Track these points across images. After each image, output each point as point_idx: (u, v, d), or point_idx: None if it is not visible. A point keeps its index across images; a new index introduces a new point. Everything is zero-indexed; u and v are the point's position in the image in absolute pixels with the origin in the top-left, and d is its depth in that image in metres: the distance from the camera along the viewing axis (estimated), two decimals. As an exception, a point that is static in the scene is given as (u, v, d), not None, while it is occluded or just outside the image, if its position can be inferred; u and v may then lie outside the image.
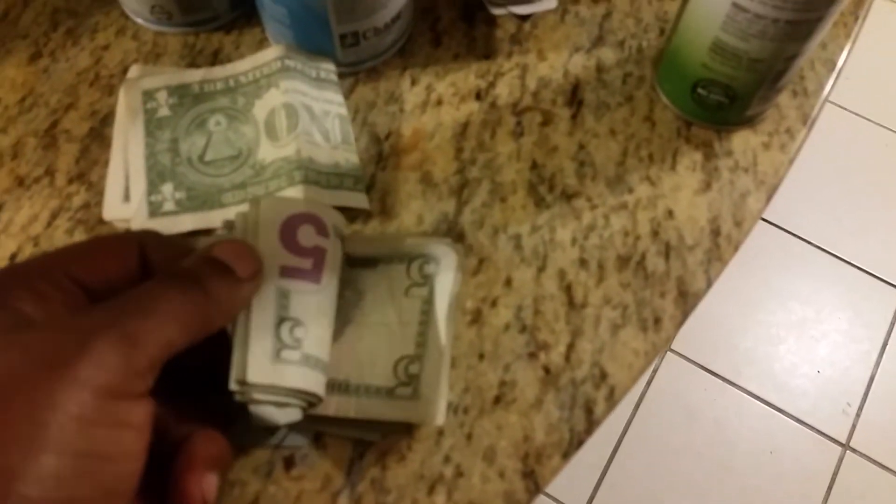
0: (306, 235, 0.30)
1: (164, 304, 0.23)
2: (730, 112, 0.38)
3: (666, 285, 0.36)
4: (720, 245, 0.37)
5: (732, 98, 0.37)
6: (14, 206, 0.38)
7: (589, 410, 0.33)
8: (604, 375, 0.34)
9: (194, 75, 0.40)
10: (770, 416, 1.12)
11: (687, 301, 0.36)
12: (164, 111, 0.39)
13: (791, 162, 0.39)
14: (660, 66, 0.40)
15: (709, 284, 0.36)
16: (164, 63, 0.42)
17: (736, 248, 0.37)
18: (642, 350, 0.35)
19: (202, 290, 0.24)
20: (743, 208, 0.38)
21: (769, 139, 0.40)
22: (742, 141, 0.40)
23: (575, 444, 0.33)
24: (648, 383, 1.14)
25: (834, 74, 0.43)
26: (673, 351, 1.16)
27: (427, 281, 0.34)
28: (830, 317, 1.20)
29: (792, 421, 1.12)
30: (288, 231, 0.30)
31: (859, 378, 1.16)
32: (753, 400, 1.13)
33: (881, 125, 1.36)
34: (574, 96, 0.41)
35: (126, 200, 0.37)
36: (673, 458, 1.10)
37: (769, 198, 0.38)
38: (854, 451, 1.10)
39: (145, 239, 0.26)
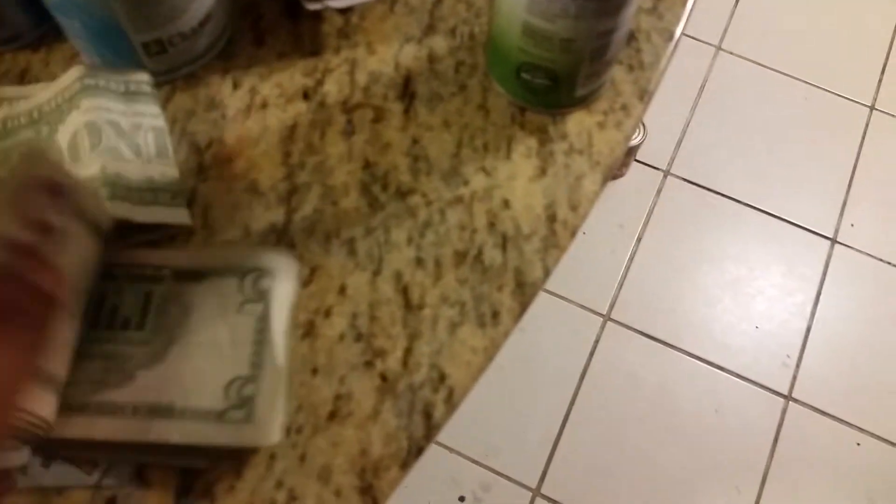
0: (41, 206, 0.27)
1: None
2: (558, 94, 0.37)
3: (504, 278, 0.35)
4: (556, 231, 0.36)
5: (556, 80, 0.36)
6: None
7: (428, 415, 0.32)
8: (442, 377, 0.33)
9: (-2, 113, 0.37)
10: (712, 375, 1.15)
11: (525, 292, 0.35)
12: None
13: (627, 139, 0.39)
14: (488, 52, 0.39)
15: (546, 273, 0.35)
16: (-37, 86, 0.39)
17: (573, 234, 0.36)
18: (481, 346, 0.34)
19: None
20: (578, 192, 0.37)
21: (604, 118, 0.39)
22: (577, 123, 0.39)
23: (414, 452, 0.31)
24: (591, 354, 1.15)
25: (672, 44, 0.43)
26: (612, 320, 1.17)
27: (262, 297, 0.32)
28: (764, 273, 1.23)
29: (734, 378, 1.14)
30: (25, 192, 0.27)
31: (796, 330, 1.19)
32: (695, 361, 1.15)
33: (799, 79, 1.40)
34: (406, 89, 0.40)
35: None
36: (621, 426, 1.11)
37: (605, 178, 0.38)
38: (796, 401, 1.14)
39: None
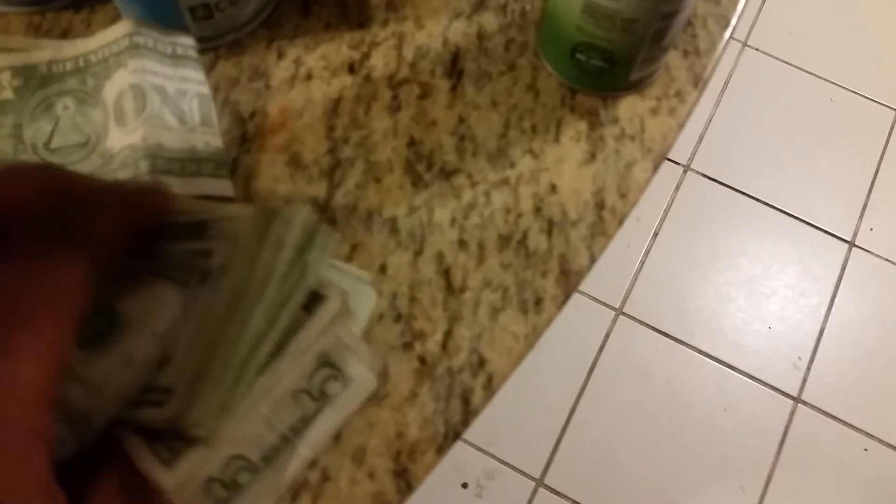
0: None
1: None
2: (613, 77, 0.36)
3: (548, 264, 0.34)
4: (604, 219, 0.35)
5: (612, 62, 0.35)
6: None
7: (466, 401, 0.32)
8: (482, 362, 0.32)
9: (42, 55, 0.36)
10: (723, 373, 1.14)
11: (569, 280, 0.34)
12: (6, 94, 0.35)
13: (681, 126, 0.38)
14: (541, 30, 0.38)
15: (592, 261, 0.34)
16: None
17: (621, 222, 0.35)
18: (522, 333, 0.33)
19: None
20: (629, 179, 0.36)
21: (657, 104, 0.38)
22: (629, 107, 0.38)
23: (451, 437, 0.31)
24: (601, 347, 1.14)
25: (728, 31, 0.41)
26: (625, 314, 1.17)
27: (325, 399, 0.28)
28: (779, 273, 1.22)
29: (744, 377, 1.14)
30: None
31: (809, 332, 1.18)
32: (705, 358, 1.15)
33: (826, 80, 1.38)
34: (454, 66, 0.39)
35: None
36: (628, 419, 1.11)
37: (657, 166, 0.37)
38: (805, 403, 1.13)
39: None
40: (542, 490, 1.06)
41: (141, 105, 0.34)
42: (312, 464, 0.30)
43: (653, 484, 1.09)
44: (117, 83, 0.35)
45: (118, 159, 0.33)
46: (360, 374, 0.28)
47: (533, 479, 1.06)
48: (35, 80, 0.36)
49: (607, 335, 1.16)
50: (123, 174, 0.33)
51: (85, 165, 0.34)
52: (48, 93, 0.36)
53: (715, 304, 1.19)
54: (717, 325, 1.17)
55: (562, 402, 1.12)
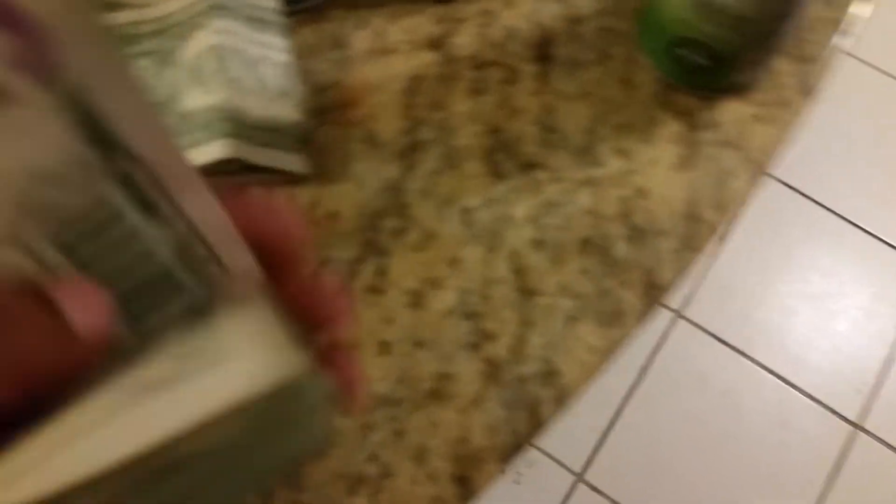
0: None
1: None
2: (716, 77, 0.33)
3: (631, 274, 0.32)
4: (696, 232, 0.33)
5: (716, 60, 0.32)
6: None
7: (534, 412, 0.30)
8: (554, 374, 0.30)
9: (127, 16, 0.35)
10: (781, 389, 1.10)
11: (653, 294, 0.32)
12: None
13: (786, 138, 0.35)
14: (642, 20, 0.35)
15: (679, 276, 0.32)
16: None
17: (713, 236, 0.33)
18: (599, 347, 0.31)
19: None
20: (726, 190, 0.33)
21: (761, 110, 0.35)
22: (730, 111, 0.35)
23: (516, 448, 0.29)
24: (656, 349, 1.11)
25: (841, 39, 0.38)
26: (684, 317, 1.13)
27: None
28: (852, 292, 1.16)
29: (803, 396, 1.09)
30: None
31: (877, 357, 1.13)
32: (765, 372, 1.11)
33: None
34: (543, 51, 0.36)
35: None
36: (677, 425, 1.08)
37: (757, 178, 0.34)
38: (866, 431, 1.08)
39: None
40: (581, 485, 1.04)
41: (221, 66, 0.32)
42: (372, 457, 0.29)
43: (696, 492, 1.06)
44: (197, 44, 0.33)
45: (195, 120, 0.32)
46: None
47: (573, 473, 1.04)
48: (120, 41, 0.35)
49: (664, 337, 1.12)
50: (203, 135, 0.31)
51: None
52: (129, 53, 0.34)
53: (780, 318, 1.14)
54: (779, 339, 1.13)
55: (610, 399, 1.09)
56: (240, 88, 0.32)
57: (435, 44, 0.36)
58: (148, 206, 0.13)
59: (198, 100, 0.32)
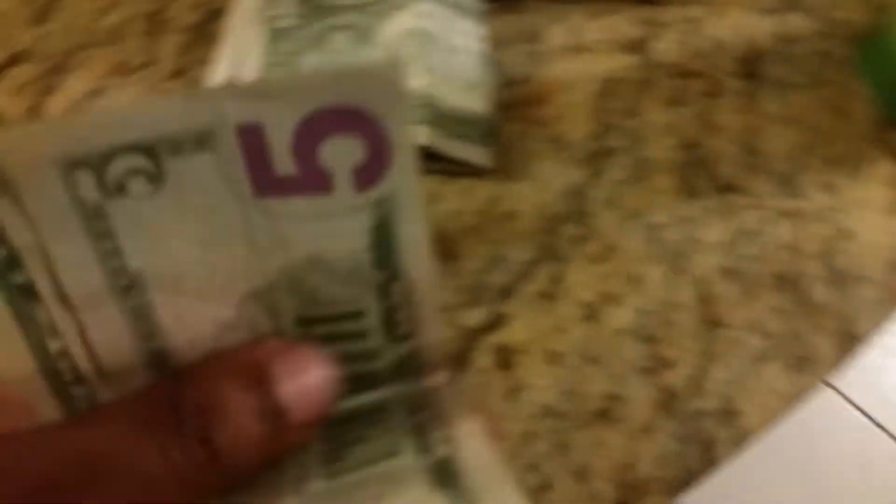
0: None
1: None
2: (951, 119, 0.31)
3: (827, 319, 0.30)
4: (905, 282, 0.30)
5: (964, 103, 0.29)
6: (112, 94, 0.34)
7: (708, 450, 0.28)
8: (733, 413, 0.29)
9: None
10: None
11: (848, 344, 0.29)
12: (289, 21, 0.34)
13: None
14: (867, 47, 0.33)
15: (878, 330, 0.30)
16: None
17: (923, 290, 0.30)
18: (784, 391, 0.29)
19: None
20: (941, 241, 0.31)
21: None
22: (954, 157, 0.32)
23: (685, 484, 0.28)
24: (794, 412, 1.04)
25: None
26: (830, 385, 1.06)
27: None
28: None
29: None
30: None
31: None
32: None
33: None
34: (750, 67, 0.34)
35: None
36: (795, 484, 1.01)
37: (975, 233, 0.31)
38: None
39: None
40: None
41: (422, 51, 0.31)
42: (532, 467, 0.28)
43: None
44: (397, 25, 0.32)
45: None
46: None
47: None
48: (317, 10, 0.34)
49: (803, 399, 1.05)
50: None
51: (349, 102, 0.32)
52: (327, 25, 0.34)
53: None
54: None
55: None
56: (437, 75, 0.32)
57: (634, 47, 0.34)
58: (391, 315, 0.14)
59: None
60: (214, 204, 0.12)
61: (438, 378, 0.16)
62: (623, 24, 0.35)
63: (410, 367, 0.15)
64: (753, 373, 0.29)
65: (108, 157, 0.12)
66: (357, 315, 0.14)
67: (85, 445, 0.12)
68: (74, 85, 0.35)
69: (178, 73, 0.35)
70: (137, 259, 0.12)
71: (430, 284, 0.14)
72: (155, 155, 0.12)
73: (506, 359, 0.30)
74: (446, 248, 0.31)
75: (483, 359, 0.30)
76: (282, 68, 0.33)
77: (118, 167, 0.12)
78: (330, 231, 0.13)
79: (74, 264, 0.12)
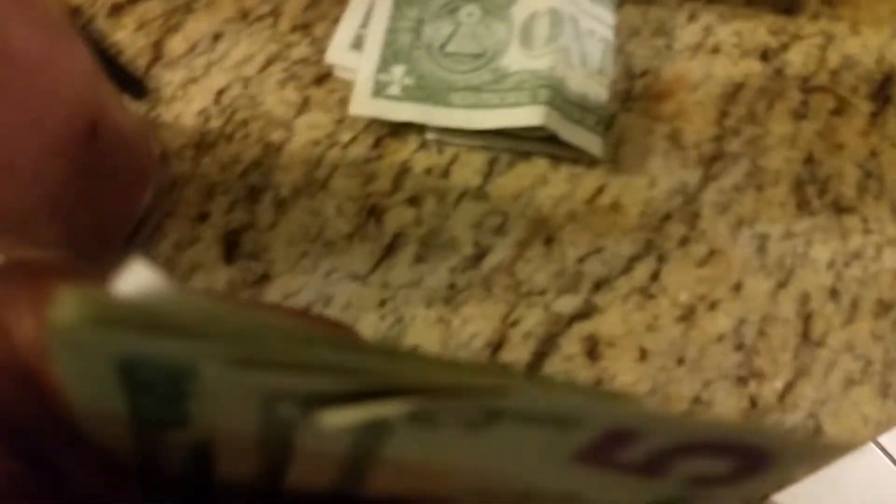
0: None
1: None
2: None
3: (929, 353, 0.29)
4: None
5: None
6: (232, 40, 0.35)
7: (789, 465, 0.28)
8: (819, 431, 0.29)
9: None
10: None
11: (949, 380, 0.29)
12: None
13: None
14: None
15: (984, 370, 0.29)
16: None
17: None
18: (874, 418, 0.29)
19: None
20: None
21: None
22: None
23: (761, 499, 0.28)
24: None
25: None
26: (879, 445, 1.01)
27: None
28: None
29: None
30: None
31: None
32: None
33: None
34: (883, 89, 0.33)
35: (355, 49, 0.33)
36: None
37: None
38: None
39: None
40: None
41: (555, 32, 0.32)
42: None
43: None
44: (533, 3, 0.33)
45: (513, 79, 0.32)
46: None
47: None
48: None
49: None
50: (523, 97, 0.31)
51: (474, 77, 0.33)
52: (435, 4, 0.35)
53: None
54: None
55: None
56: (565, 58, 0.32)
57: (765, 54, 0.34)
58: None
59: (520, 61, 0.32)
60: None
61: None
62: (757, 30, 0.34)
63: None
64: (845, 395, 0.29)
65: None
66: None
67: None
68: (197, 26, 0.36)
69: (300, 28, 0.36)
70: None
71: None
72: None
73: (594, 349, 0.30)
74: (547, 232, 0.32)
75: (571, 346, 0.30)
76: (410, 34, 0.33)
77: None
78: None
79: None
